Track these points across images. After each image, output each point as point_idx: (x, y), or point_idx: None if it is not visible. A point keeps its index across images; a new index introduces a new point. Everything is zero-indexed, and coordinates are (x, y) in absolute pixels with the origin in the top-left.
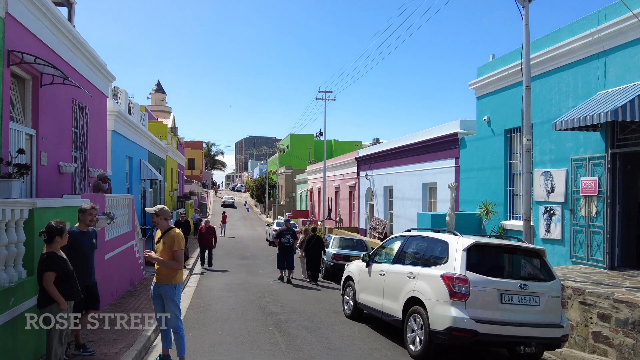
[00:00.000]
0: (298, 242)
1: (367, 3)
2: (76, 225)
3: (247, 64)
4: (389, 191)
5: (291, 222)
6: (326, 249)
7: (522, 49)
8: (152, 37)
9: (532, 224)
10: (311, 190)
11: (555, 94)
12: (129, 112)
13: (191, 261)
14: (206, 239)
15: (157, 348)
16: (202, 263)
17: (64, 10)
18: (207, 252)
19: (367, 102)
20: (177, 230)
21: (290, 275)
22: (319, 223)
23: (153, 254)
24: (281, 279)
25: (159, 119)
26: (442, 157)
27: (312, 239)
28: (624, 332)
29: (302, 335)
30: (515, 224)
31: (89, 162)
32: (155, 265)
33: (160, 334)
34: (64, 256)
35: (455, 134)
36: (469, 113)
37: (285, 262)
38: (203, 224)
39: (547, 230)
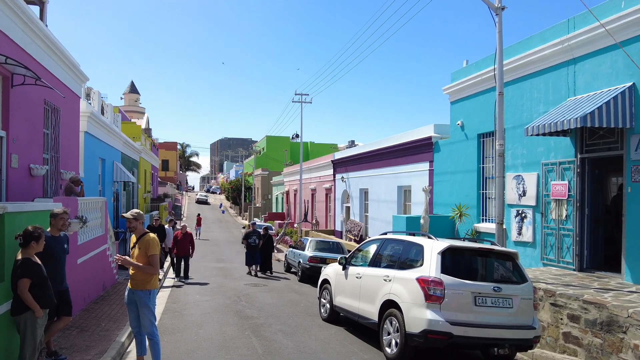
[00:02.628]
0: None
1: (343, 7)
2: (47, 229)
3: (222, 65)
4: (364, 194)
5: (257, 224)
6: (302, 252)
7: (496, 55)
8: (126, 37)
9: (504, 226)
10: (287, 193)
11: (527, 100)
12: (102, 113)
13: (165, 269)
14: (182, 246)
15: (132, 354)
16: (177, 275)
17: (35, 9)
18: (182, 261)
19: (343, 104)
20: (152, 234)
21: (257, 269)
22: (295, 225)
23: (128, 258)
24: (249, 273)
25: (132, 120)
26: (417, 161)
27: (264, 237)
28: (593, 332)
29: (279, 340)
30: (488, 226)
31: (60, 164)
32: (130, 270)
33: (134, 340)
34: (39, 262)
35: (430, 137)
36: (443, 117)
37: (252, 258)
38: (180, 229)
39: (519, 233)
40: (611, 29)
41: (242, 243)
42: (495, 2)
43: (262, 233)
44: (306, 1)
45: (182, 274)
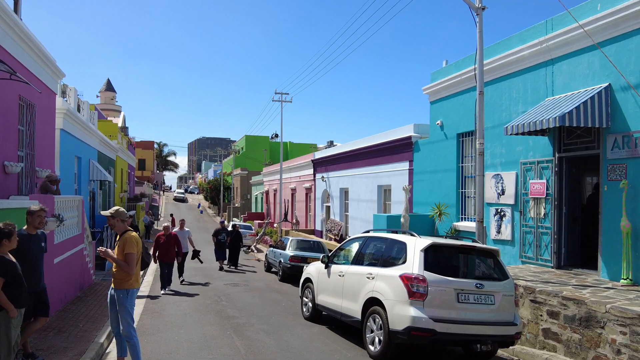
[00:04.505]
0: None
1: (324, 7)
2: (24, 227)
3: (201, 64)
4: (344, 193)
5: (225, 223)
6: (283, 251)
7: (476, 55)
8: (102, 35)
9: (484, 225)
10: (267, 192)
11: (505, 100)
12: (79, 110)
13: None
14: (166, 251)
15: (111, 355)
16: (163, 286)
17: (10, 2)
18: (167, 270)
19: (322, 105)
20: (132, 233)
21: (225, 263)
22: (275, 225)
23: (109, 251)
24: (220, 268)
25: (108, 118)
26: (397, 160)
27: (232, 233)
28: (572, 328)
29: (261, 339)
30: (467, 225)
31: (36, 161)
32: (113, 268)
33: (114, 341)
34: (13, 260)
35: (409, 137)
36: (422, 117)
37: (221, 254)
38: (162, 230)
39: (498, 231)
40: (588, 31)
41: (213, 239)
42: (476, 2)
43: (230, 230)
44: (286, 1)
45: (168, 284)
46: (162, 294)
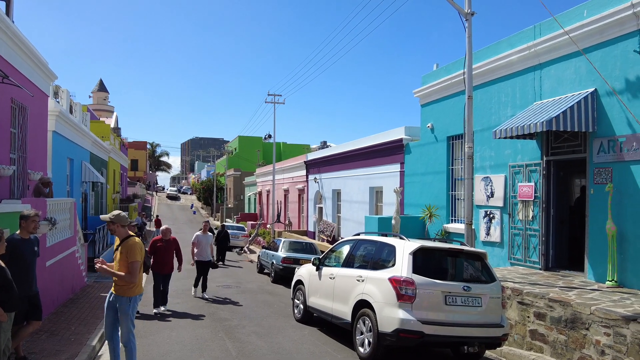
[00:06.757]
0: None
1: (316, 9)
2: (17, 232)
3: (194, 65)
4: (337, 194)
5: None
6: (275, 253)
7: (465, 60)
8: (94, 35)
9: (473, 227)
10: (260, 193)
11: (495, 104)
12: (71, 112)
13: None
14: (164, 259)
15: (103, 358)
16: (157, 304)
17: (1, 5)
18: (163, 285)
19: (315, 106)
20: (136, 239)
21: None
22: (268, 226)
23: (105, 267)
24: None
25: (101, 119)
26: (388, 162)
27: (221, 233)
28: (558, 329)
29: (253, 341)
30: (457, 227)
31: (28, 164)
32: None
33: (106, 345)
34: (2, 265)
35: (401, 140)
36: (413, 120)
37: None
38: (160, 234)
39: (487, 234)
40: (575, 37)
41: (214, 243)
42: (465, 7)
43: (219, 230)
44: (279, 3)
45: (164, 303)
46: (155, 312)
